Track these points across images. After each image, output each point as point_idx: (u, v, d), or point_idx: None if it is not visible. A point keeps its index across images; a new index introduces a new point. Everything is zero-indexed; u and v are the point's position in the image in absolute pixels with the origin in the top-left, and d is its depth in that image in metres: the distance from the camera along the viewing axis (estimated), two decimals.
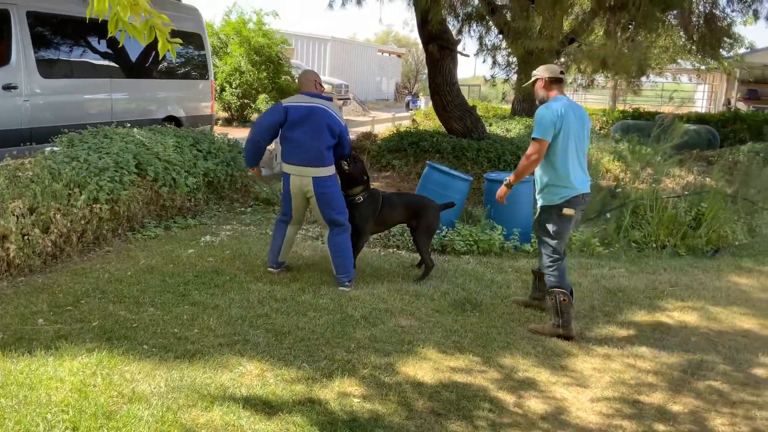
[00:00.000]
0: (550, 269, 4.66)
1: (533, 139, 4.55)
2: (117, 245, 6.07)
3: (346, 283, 5.31)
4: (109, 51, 8.80)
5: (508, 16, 10.92)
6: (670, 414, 3.67)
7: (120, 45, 8.78)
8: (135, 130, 7.21)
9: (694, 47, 14.54)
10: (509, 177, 4.82)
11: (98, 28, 8.52)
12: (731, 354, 4.54)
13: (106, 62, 8.76)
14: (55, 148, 6.32)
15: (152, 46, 9.34)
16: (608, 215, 7.63)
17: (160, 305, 4.69)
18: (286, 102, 5.32)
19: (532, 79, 4.81)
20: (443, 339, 4.45)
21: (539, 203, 4.76)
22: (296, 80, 18.01)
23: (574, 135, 4.57)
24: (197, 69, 10.54)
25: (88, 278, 5.14)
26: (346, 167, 5.45)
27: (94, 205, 5.80)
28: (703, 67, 23.00)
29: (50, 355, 3.79)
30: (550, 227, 4.64)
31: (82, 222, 5.70)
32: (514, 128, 13.91)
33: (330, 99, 5.47)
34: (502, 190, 4.84)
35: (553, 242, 4.64)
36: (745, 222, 8.32)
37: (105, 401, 3.32)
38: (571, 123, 4.55)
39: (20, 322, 4.25)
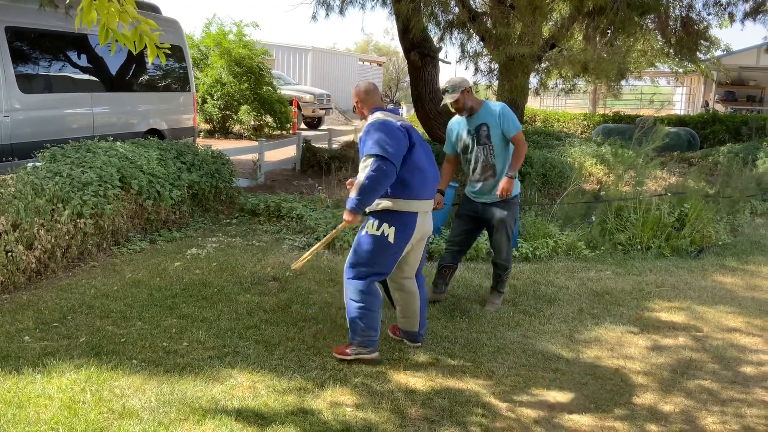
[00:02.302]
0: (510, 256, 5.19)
1: (519, 130, 4.92)
2: (102, 260, 6.01)
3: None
4: (90, 65, 8.75)
5: (489, 23, 10.98)
6: (661, 414, 3.69)
7: (100, 59, 8.81)
8: (118, 143, 7.16)
9: (671, 51, 14.67)
10: (513, 170, 4.92)
11: (78, 42, 8.49)
12: (719, 353, 4.58)
13: (86, 76, 8.71)
14: (37, 163, 6.26)
15: (132, 59, 9.33)
16: (593, 218, 7.67)
17: (148, 319, 4.65)
18: (391, 119, 4.01)
19: (458, 91, 4.80)
20: (434, 346, 4.45)
21: (515, 192, 5.03)
22: (274, 89, 18.08)
23: None
24: (178, 81, 10.51)
25: (73, 294, 5.08)
26: None
27: (78, 220, 5.75)
28: (680, 70, 23.27)
29: (38, 372, 3.74)
30: (514, 215, 5.11)
31: (67, 237, 5.64)
32: None
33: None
34: (505, 182, 4.88)
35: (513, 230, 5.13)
36: (727, 222, 8.41)
37: (95, 418, 3.28)
38: None
39: (6, 340, 4.19)
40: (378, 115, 4.01)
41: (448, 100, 4.84)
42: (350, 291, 4.05)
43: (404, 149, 3.90)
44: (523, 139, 4.94)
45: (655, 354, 4.52)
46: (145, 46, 3.05)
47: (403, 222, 3.96)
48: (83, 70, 8.66)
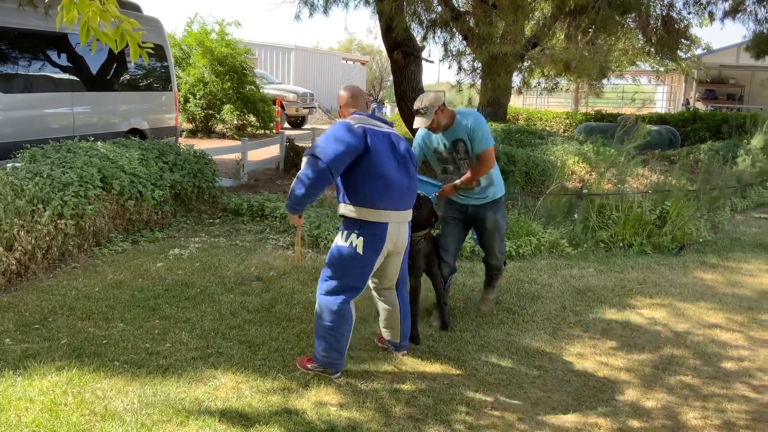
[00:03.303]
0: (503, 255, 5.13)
1: (488, 147, 4.58)
2: (83, 261, 5.96)
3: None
4: (70, 64, 8.67)
5: (472, 22, 11.02)
6: (643, 410, 3.72)
7: (81, 58, 8.73)
8: (99, 143, 7.10)
9: (652, 49, 14.83)
10: (460, 180, 4.72)
11: (58, 41, 8.40)
12: (700, 348, 4.63)
13: (66, 76, 8.63)
14: (17, 164, 6.19)
15: (113, 58, 9.26)
16: (575, 216, 7.72)
17: (130, 320, 4.62)
18: (356, 122, 3.84)
19: (431, 113, 4.52)
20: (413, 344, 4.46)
21: (495, 196, 4.82)
22: (257, 88, 18.01)
23: None
24: (160, 81, 10.43)
25: (54, 295, 5.03)
26: (416, 212, 4.27)
27: (58, 221, 5.70)
28: (661, 69, 23.51)
29: (19, 375, 3.70)
30: (504, 215, 5.02)
31: (47, 238, 5.59)
32: None
33: (391, 124, 4.15)
34: (449, 189, 4.74)
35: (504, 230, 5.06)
36: (708, 219, 8.50)
37: (77, 420, 3.25)
38: None
39: None
40: (349, 119, 3.90)
41: (421, 124, 4.55)
42: (321, 309, 3.86)
43: (350, 153, 3.67)
44: (492, 158, 4.60)
45: (637, 350, 4.56)
46: (127, 45, 3.03)
47: (372, 232, 3.77)
48: (63, 69, 8.58)
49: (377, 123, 3.93)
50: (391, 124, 4.09)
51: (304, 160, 3.74)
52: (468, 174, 4.67)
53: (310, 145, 3.90)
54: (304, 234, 6.80)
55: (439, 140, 4.75)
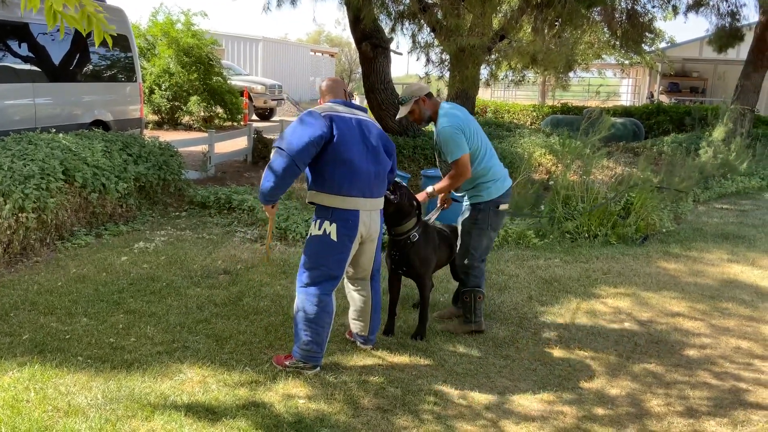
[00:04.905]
0: (478, 270, 4.58)
1: (457, 158, 4.28)
2: (46, 255, 5.85)
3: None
4: (31, 54, 8.46)
5: (440, 14, 11.02)
6: (608, 397, 3.78)
7: (42, 48, 8.53)
8: (61, 135, 6.95)
9: (617, 43, 15.02)
10: (434, 187, 4.52)
11: (19, 31, 8.19)
12: (663, 337, 4.71)
13: (27, 66, 8.42)
14: None
15: (76, 48, 9.07)
16: (542, 207, 7.80)
17: (93, 315, 4.54)
18: (324, 111, 3.85)
19: (411, 102, 4.41)
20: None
21: (471, 201, 4.54)
22: (225, 79, 17.81)
23: (480, 129, 4.50)
24: (124, 71, 10.25)
25: (16, 290, 4.93)
26: (394, 198, 4.20)
27: (20, 215, 5.57)
28: (626, 62, 23.83)
29: None
30: (485, 225, 4.50)
31: (8, 232, 5.46)
32: None
33: (366, 110, 4.15)
34: (422, 197, 4.51)
35: (486, 241, 4.55)
36: (671, 210, 8.65)
37: (39, 416, 3.20)
38: (471, 120, 4.45)
39: None
40: (317, 107, 3.91)
41: (401, 113, 4.46)
42: (302, 300, 3.84)
43: (315, 143, 3.67)
44: (463, 169, 4.31)
45: (602, 339, 4.63)
46: (90, 34, 3.01)
47: (344, 219, 3.79)
48: (24, 59, 8.37)
49: (350, 110, 3.94)
50: (365, 110, 4.09)
51: (272, 152, 3.77)
52: (443, 181, 4.50)
53: (279, 137, 3.90)
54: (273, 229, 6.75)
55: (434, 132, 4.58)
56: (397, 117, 4.65)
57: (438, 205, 4.91)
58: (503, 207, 4.53)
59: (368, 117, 4.04)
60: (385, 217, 4.17)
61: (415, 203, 4.34)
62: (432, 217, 4.82)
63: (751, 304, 5.47)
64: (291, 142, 3.68)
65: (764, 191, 11.30)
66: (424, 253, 4.37)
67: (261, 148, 11.59)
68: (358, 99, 28.26)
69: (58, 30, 2.99)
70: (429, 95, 4.48)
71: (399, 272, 4.49)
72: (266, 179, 3.76)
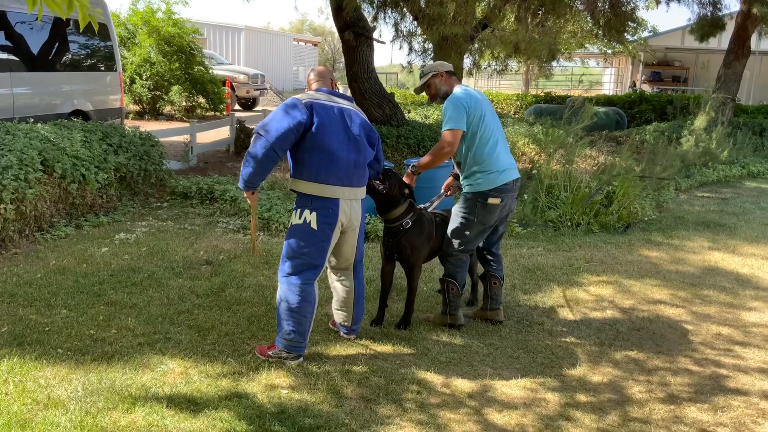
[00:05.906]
0: (456, 259, 4.49)
1: (445, 130, 4.24)
2: (25, 246, 5.77)
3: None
4: (8, 43, 8.32)
5: (422, 2, 10.99)
6: (590, 385, 3.80)
7: (20, 36, 8.39)
8: (39, 125, 6.85)
9: (600, 32, 15.07)
10: (415, 164, 4.47)
11: None
12: (645, 324, 4.74)
13: (5, 55, 8.27)
14: None
15: (55, 37, 8.93)
16: (525, 196, 7.81)
17: (73, 307, 4.49)
18: (305, 97, 3.86)
19: (428, 75, 4.44)
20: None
21: (463, 189, 4.43)
22: (207, 68, 17.65)
23: (491, 116, 4.39)
24: (104, 60, 10.12)
25: None
26: (382, 187, 4.20)
27: None
28: (609, 51, 23.96)
29: None
30: (471, 216, 4.37)
31: None
32: (432, 114, 14.05)
33: (352, 100, 4.16)
34: (407, 178, 4.43)
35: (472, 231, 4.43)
36: (653, 198, 8.71)
37: (19, 409, 3.16)
38: (484, 105, 4.35)
39: None
40: (299, 95, 3.93)
41: (419, 84, 4.51)
42: (284, 290, 3.83)
43: (294, 130, 3.68)
44: (446, 140, 4.23)
45: (584, 326, 4.65)
46: (69, 23, 2.94)
47: (324, 207, 3.78)
48: (2, 48, 8.22)
49: (334, 99, 3.94)
50: (351, 99, 4.10)
51: (252, 138, 3.80)
52: (425, 156, 4.42)
53: (260, 123, 3.93)
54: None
55: None
56: (414, 89, 4.65)
57: (441, 192, 4.86)
58: (493, 201, 4.29)
59: (352, 106, 4.02)
60: (375, 203, 4.25)
61: (406, 191, 4.31)
62: (434, 203, 4.81)
63: (731, 291, 5.52)
64: (270, 129, 3.71)
65: (745, 179, 11.41)
66: (416, 241, 4.35)
67: (243, 138, 11.51)
68: (341, 88, 28.16)
69: (36, 18, 2.93)
70: (450, 73, 4.48)
71: (392, 260, 4.48)
72: (246, 165, 3.79)
